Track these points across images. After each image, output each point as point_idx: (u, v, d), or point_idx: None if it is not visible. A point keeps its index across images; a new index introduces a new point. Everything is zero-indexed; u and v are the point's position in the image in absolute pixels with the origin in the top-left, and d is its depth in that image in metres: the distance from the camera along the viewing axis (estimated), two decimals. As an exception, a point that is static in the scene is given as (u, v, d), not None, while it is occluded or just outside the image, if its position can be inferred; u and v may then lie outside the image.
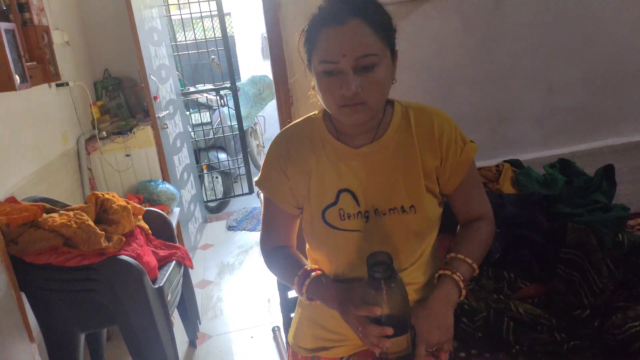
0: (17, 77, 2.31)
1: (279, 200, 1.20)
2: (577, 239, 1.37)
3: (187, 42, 4.87)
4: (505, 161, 1.74)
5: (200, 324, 2.68)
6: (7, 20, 2.49)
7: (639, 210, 1.90)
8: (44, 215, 1.93)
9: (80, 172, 3.13)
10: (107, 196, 2.08)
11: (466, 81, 1.80)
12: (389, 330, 0.97)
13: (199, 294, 3.07)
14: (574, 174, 1.67)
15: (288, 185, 1.18)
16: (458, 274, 1.10)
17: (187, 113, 4.45)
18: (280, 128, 1.68)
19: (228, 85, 4.27)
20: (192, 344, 2.57)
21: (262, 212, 1.27)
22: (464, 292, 1.09)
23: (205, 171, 4.52)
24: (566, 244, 1.39)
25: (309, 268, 1.17)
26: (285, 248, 1.26)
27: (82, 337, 2.08)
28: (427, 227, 1.15)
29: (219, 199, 4.55)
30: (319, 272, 1.16)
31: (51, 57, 2.77)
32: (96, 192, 2.08)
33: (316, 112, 1.21)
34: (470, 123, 1.84)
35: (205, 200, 4.45)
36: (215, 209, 4.57)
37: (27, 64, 2.47)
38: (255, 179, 1.24)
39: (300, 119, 1.22)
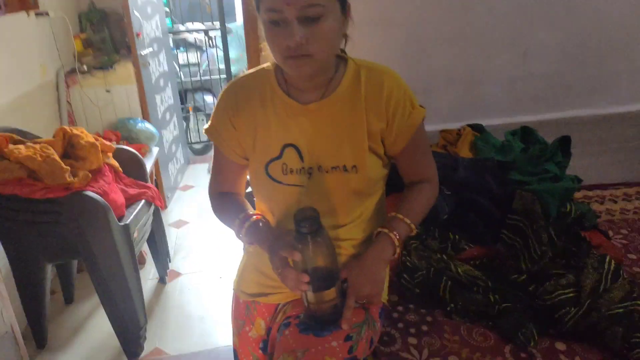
0: (-11, 3, 2.26)
1: (226, 150, 1.21)
2: (523, 206, 1.39)
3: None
4: (468, 125, 1.74)
5: (170, 262, 2.75)
6: (-18, -59, 2.40)
7: (598, 182, 1.93)
8: (10, 146, 1.93)
9: (59, 105, 3.10)
10: (75, 131, 2.08)
11: (441, 40, 1.77)
12: (305, 278, 1.01)
13: (174, 233, 3.14)
14: (533, 142, 1.67)
15: (235, 135, 1.18)
16: (395, 232, 1.13)
17: (175, 52, 4.37)
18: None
19: (217, 27, 4.18)
20: (162, 281, 2.65)
21: (212, 159, 1.28)
22: (398, 250, 1.12)
23: (190, 113, 4.49)
24: (512, 210, 1.41)
25: (250, 212, 1.19)
26: (231, 194, 1.28)
27: (49, 267, 2.14)
28: (368, 187, 1.16)
29: (204, 141, 4.55)
30: (259, 216, 1.18)
31: (29, -16, 2.69)
32: (64, 127, 2.08)
33: (269, 63, 1.19)
34: (442, 83, 1.83)
35: (190, 142, 4.44)
36: (200, 151, 4.58)
37: (2, -11, 2.41)
38: (205, 126, 1.24)
39: (252, 70, 1.21)
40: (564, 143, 1.60)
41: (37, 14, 2.90)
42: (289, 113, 1.14)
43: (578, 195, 1.90)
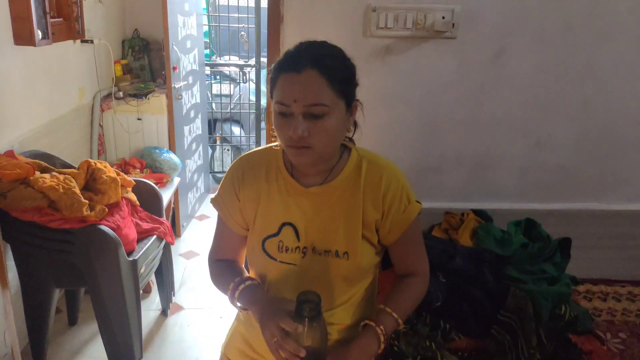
0: (39, 33, 2.40)
1: (229, 221, 1.26)
2: (515, 304, 1.40)
3: (229, 5, 4.87)
4: (473, 210, 1.76)
5: (174, 295, 2.80)
6: (41, -26, 2.57)
7: (603, 277, 1.91)
8: (37, 174, 2.03)
9: (91, 127, 3.24)
10: (99, 165, 2.18)
11: (454, 122, 1.80)
12: (302, 353, 1.01)
13: (182, 263, 3.20)
14: (535, 236, 1.68)
15: (239, 207, 1.24)
16: (382, 327, 1.15)
17: (210, 82, 4.51)
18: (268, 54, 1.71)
19: (252, 63, 4.31)
20: (164, 313, 2.69)
21: (215, 228, 1.34)
22: (382, 346, 1.14)
23: (218, 142, 4.61)
24: (506, 307, 1.42)
25: (245, 277, 1.22)
26: (229, 261, 1.32)
27: (57, 291, 2.21)
28: (357, 274, 1.20)
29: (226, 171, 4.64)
30: (255, 282, 1.21)
31: (78, 14, 2.84)
32: (90, 160, 2.17)
33: (278, 143, 1.25)
34: (452, 164, 1.85)
35: (212, 170, 4.55)
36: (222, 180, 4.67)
37: (52, 20, 2.55)
38: (211, 196, 1.30)
39: (262, 147, 1.27)
40: (564, 244, 1.60)
41: (82, 41, 3.06)
42: (290, 192, 1.19)
43: (581, 288, 1.89)
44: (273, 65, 1.11)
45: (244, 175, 1.23)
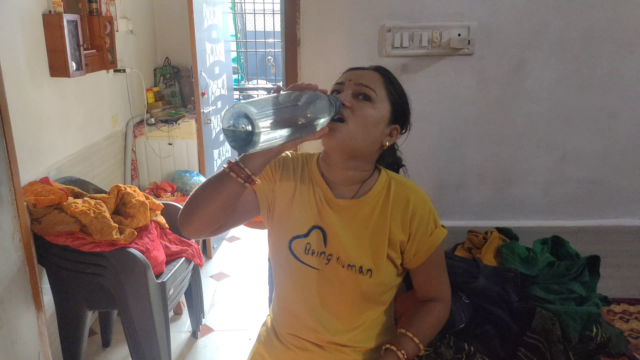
0: (73, 64, 2.53)
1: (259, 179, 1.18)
2: (542, 325, 1.35)
3: (255, 30, 5.00)
4: (497, 228, 1.71)
5: (204, 317, 2.83)
6: (76, 9, 2.71)
7: (636, 296, 1.81)
8: (70, 199, 2.12)
9: (124, 153, 3.36)
10: (128, 190, 2.25)
11: (475, 139, 1.77)
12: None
13: (212, 285, 3.23)
14: (562, 255, 1.61)
15: (272, 187, 1.20)
16: (403, 351, 1.14)
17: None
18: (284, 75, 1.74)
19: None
20: (194, 335, 2.72)
21: None
22: None
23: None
24: (532, 328, 1.37)
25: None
26: None
27: (90, 314, 2.27)
28: (379, 292, 1.18)
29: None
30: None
31: (111, 45, 2.97)
32: (120, 185, 2.25)
33: (315, 153, 1.27)
34: (474, 180, 1.82)
35: (243, 192, 4.61)
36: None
37: (86, 52, 2.69)
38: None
39: (300, 152, 1.29)
40: (593, 262, 1.54)
41: (114, 71, 3.20)
42: (322, 200, 1.19)
43: (618, 308, 1.79)
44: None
45: (284, 167, 1.22)
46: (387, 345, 1.16)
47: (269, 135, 0.89)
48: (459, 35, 1.68)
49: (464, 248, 1.69)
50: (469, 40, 1.68)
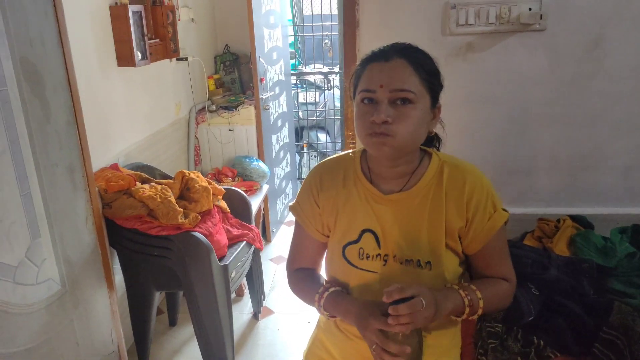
0: (138, 54, 2.61)
1: (308, 227, 1.27)
2: (621, 321, 1.26)
3: (312, 14, 4.97)
4: (570, 216, 1.61)
5: (264, 299, 2.89)
6: (140, 0, 2.79)
7: None
8: (138, 184, 2.20)
9: (187, 140, 3.45)
10: (192, 175, 2.30)
11: (546, 122, 1.67)
12: (407, 349, 0.98)
13: (272, 268, 3.29)
14: (643, 245, 1.50)
15: (318, 213, 1.24)
16: (469, 297, 1.08)
17: (296, 90, 4.62)
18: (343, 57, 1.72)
19: (337, 70, 4.35)
20: (255, 316, 2.79)
21: (292, 236, 1.35)
22: (467, 310, 1.08)
23: (305, 149, 4.70)
24: (609, 323, 1.28)
25: (328, 285, 1.21)
26: (309, 269, 1.33)
27: (157, 294, 2.37)
28: (440, 285, 1.14)
29: (314, 177, 4.71)
30: (338, 288, 1.20)
31: (173, 34, 3.04)
32: (184, 170, 2.31)
33: (355, 150, 1.25)
34: (545, 165, 1.72)
35: (300, 177, 4.64)
36: (310, 186, 4.75)
37: (150, 41, 2.76)
38: (290, 203, 1.32)
39: (339, 154, 1.27)
40: (679, 254, 1.42)
41: (177, 59, 3.27)
42: (369, 199, 1.17)
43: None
44: (359, 62, 1.12)
45: (322, 181, 1.23)
46: (453, 285, 1.11)
47: None
48: (530, 9, 1.58)
49: (534, 237, 1.61)
50: (540, 15, 1.58)
